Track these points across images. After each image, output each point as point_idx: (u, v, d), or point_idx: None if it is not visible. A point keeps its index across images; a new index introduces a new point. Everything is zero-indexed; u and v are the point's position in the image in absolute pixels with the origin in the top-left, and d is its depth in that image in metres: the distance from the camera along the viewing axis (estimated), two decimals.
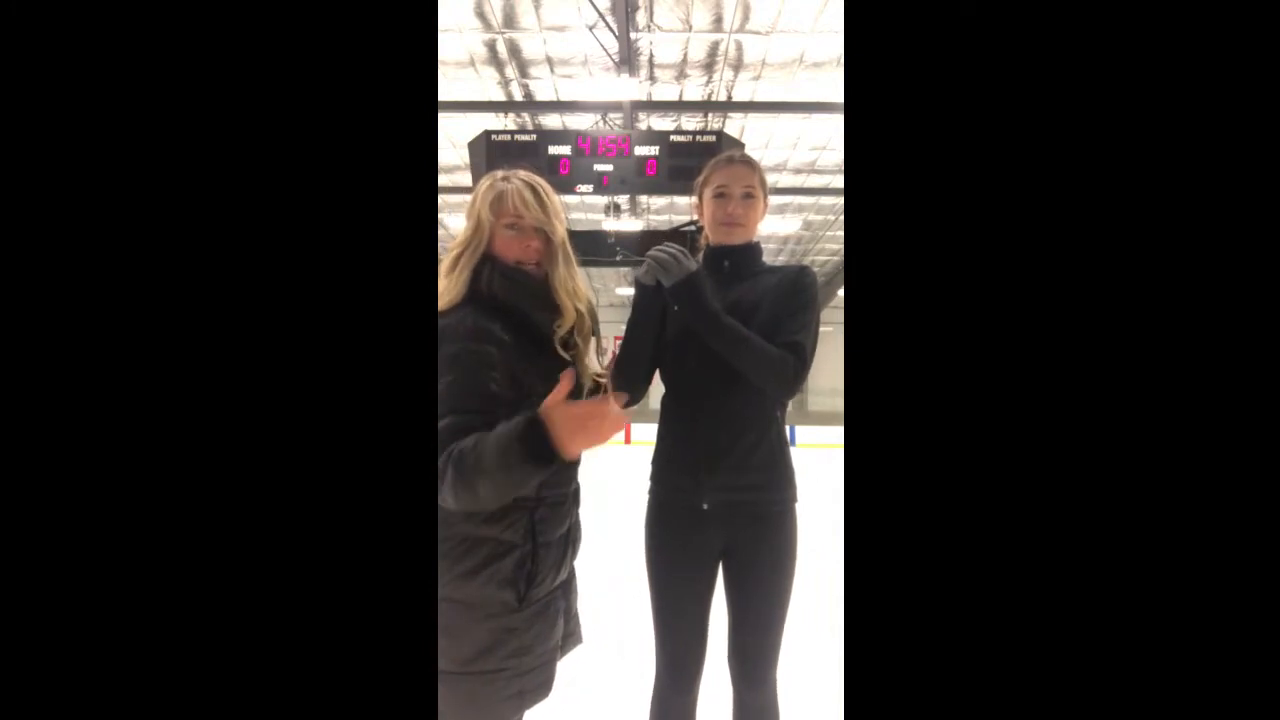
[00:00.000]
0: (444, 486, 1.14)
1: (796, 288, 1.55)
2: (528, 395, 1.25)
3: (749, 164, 1.60)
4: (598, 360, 1.47)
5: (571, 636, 1.46)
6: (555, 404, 1.13)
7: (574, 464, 1.37)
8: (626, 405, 1.47)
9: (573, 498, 1.42)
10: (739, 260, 1.62)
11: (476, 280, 1.29)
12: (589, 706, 2.67)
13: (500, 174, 1.35)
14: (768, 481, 1.57)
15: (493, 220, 1.31)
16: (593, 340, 1.43)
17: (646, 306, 1.57)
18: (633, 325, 1.59)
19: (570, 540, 1.40)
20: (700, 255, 1.67)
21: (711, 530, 1.57)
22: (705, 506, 1.56)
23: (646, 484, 1.67)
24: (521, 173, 1.34)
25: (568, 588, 1.42)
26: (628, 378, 1.57)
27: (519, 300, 1.30)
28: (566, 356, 1.33)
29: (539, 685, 1.33)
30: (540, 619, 1.31)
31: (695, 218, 1.65)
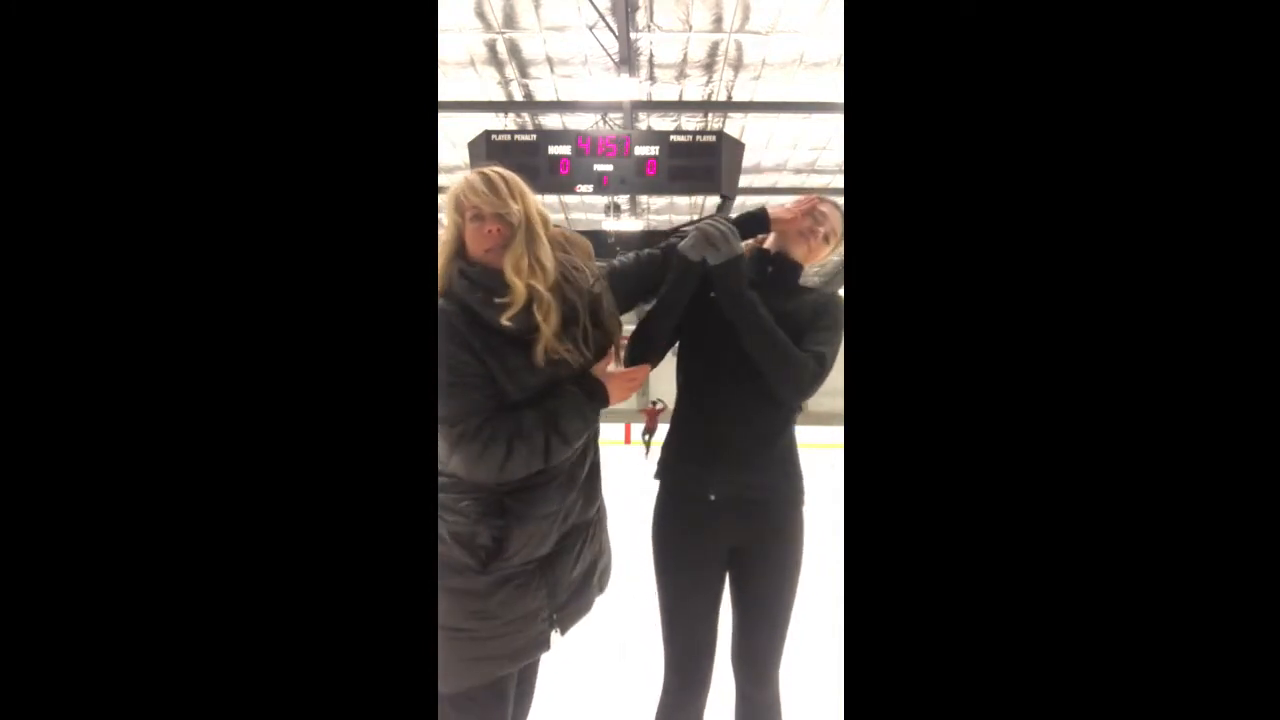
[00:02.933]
0: (509, 458, 1.30)
1: (826, 309, 1.60)
2: (502, 389, 1.33)
3: (839, 214, 1.65)
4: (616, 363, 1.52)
5: (576, 602, 1.47)
6: (600, 369, 1.46)
7: (565, 445, 1.39)
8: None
9: (566, 477, 1.43)
10: (782, 270, 1.64)
11: (447, 281, 1.37)
12: (590, 709, 2.67)
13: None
14: (775, 479, 1.58)
15: (459, 220, 1.37)
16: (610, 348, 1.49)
17: (683, 283, 1.54)
18: (664, 301, 1.56)
19: (565, 517, 1.42)
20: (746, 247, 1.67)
21: (719, 523, 1.57)
22: (713, 497, 1.56)
23: (646, 484, 1.67)
24: (481, 169, 1.41)
25: (550, 563, 1.42)
26: (642, 351, 1.55)
27: (468, 295, 1.34)
28: (513, 330, 1.34)
29: (509, 654, 1.36)
30: (504, 588, 1.35)
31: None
